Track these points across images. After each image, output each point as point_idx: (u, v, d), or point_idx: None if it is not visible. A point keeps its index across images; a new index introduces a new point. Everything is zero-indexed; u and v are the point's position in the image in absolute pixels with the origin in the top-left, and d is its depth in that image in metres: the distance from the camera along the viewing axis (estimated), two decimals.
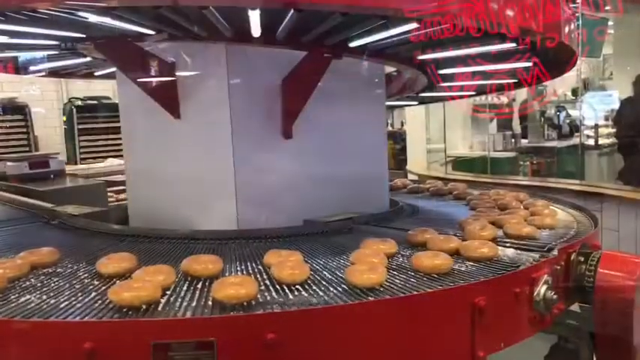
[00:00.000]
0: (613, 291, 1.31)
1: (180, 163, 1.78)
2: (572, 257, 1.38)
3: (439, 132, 6.79)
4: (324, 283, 1.17)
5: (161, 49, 1.71)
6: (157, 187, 1.87)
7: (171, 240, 1.56)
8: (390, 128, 10.61)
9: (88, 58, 2.00)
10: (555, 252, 1.32)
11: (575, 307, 1.44)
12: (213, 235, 1.59)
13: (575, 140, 6.89)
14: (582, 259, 1.37)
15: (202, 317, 0.99)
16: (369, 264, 1.20)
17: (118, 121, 2.04)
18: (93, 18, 1.39)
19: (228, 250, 1.45)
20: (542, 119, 7.75)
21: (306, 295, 1.10)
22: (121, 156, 2.13)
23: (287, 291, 1.12)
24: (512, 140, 7.35)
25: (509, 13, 1.32)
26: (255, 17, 1.37)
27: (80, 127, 6.79)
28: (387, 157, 2.23)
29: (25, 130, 6.63)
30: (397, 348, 1.05)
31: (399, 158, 9.32)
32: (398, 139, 9.87)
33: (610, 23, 6.36)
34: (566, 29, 1.56)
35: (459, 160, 6.88)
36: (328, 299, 1.07)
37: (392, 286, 1.14)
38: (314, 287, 1.14)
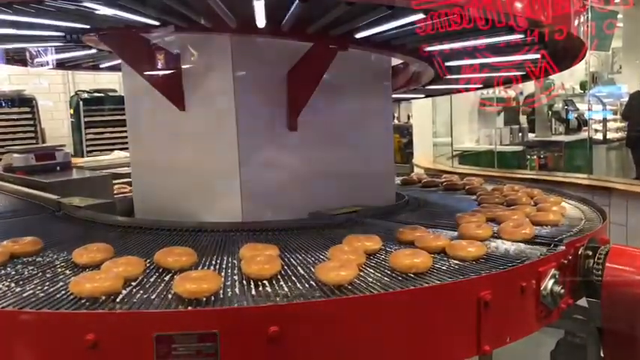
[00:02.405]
0: (621, 285, 1.30)
1: (185, 155, 1.78)
2: (579, 251, 1.36)
3: (446, 125, 6.75)
4: (294, 278, 1.14)
5: (166, 40, 1.70)
6: (162, 179, 1.86)
7: (176, 232, 1.56)
8: (396, 121, 10.57)
9: (94, 50, 2.00)
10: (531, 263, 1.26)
11: (582, 301, 1.43)
12: (217, 227, 1.59)
13: (583, 134, 6.85)
14: (590, 253, 1.36)
15: (205, 309, 0.98)
16: (342, 261, 1.17)
17: (125, 114, 2.03)
18: (99, 9, 1.38)
19: (225, 243, 1.44)
20: (550, 113, 7.70)
21: (269, 290, 1.08)
22: (128, 148, 2.13)
23: (252, 286, 1.10)
24: (520, 134, 7.30)
25: (518, 4, 1.30)
26: (260, 8, 1.36)
27: (87, 119, 6.82)
28: (393, 150, 2.21)
29: (32, 122, 6.65)
30: (403, 341, 1.04)
31: (405, 152, 9.29)
32: (404, 132, 9.82)
33: (619, 16, 6.31)
34: (575, 22, 1.54)
35: (466, 153, 6.84)
36: (291, 296, 1.05)
37: (361, 284, 1.11)
38: (281, 282, 1.12)
